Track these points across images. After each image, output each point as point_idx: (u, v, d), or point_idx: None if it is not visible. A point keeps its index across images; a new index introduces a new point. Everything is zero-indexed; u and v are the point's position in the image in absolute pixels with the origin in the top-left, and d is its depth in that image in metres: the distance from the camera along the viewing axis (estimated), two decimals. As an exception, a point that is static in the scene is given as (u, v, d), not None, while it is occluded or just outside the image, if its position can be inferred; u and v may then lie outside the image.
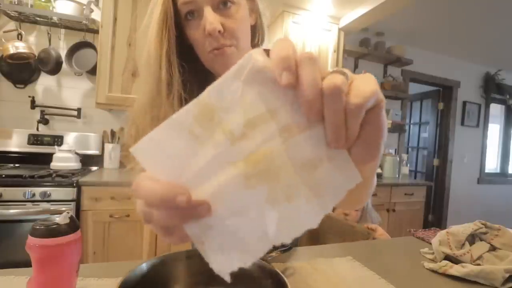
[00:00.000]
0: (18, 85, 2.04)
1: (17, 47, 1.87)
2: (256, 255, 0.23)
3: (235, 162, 0.21)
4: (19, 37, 1.95)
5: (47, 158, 1.90)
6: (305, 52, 0.20)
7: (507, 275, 0.60)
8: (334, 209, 1.22)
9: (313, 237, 0.95)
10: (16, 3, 1.88)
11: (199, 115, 0.21)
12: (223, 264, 0.23)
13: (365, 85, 0.19)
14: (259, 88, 0.20)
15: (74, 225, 0.46)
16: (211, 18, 0.49)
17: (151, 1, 0.53)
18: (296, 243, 1.07)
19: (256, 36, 0.63)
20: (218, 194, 0.21)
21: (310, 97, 0.19)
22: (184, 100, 0.53)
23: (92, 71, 2.04)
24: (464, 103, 3.68)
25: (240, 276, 0.49)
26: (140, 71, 0.55)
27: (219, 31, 0.50)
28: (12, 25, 1.99)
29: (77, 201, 1.61)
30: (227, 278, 0.23)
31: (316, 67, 0.19)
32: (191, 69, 0.55)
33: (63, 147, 1.93)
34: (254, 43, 0.64)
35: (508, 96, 3.96)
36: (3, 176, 1.53)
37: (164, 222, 0.21)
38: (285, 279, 0.44)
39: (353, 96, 0.19)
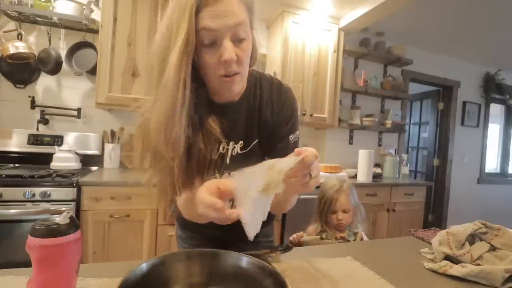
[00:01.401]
0: (18, 85, 2.04)
1: (17, 47, 1.87)
2: (260, 223, 0.51)
3: (260, 185, 0.49)
4: (19, 37, 1.95)
5: (47, 158, 1.90)
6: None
7: (507, 275, 0.60)
8: (328, 216, 1.22)
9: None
10: (16, 3, 1.88)
11: (268, 168, 0.50)
12: (252, 230, 0.50)
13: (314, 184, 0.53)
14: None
15: (74, 225, 0.46)
16: (230, 49, 0.57)
17: (168, 21, 0.57)
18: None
19: (253, 59, 0.71)
20: (253, 201, 0.50)
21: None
22: (191, 118, 0.61)
23: (92, 71, 2.04)
24: (464, 103, 3.68)
25: (240, 275, 0.49)
26: (158, 91, 0.58)
27: (234, 60, 0.59)
28: (12, 25, 1.99)
29: (77, 201, 1.61)
30: (251, 237, 0.50)
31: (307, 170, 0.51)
32: (195, 88, 0.61)
33: (63, 147, 1.93)
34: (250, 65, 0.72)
35: (508, 96, 3.96)
36: (3, 176, 1.53)
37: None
38: (285, 279, 0.44)
39: (311, 185, 0.53)
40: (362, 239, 1.22)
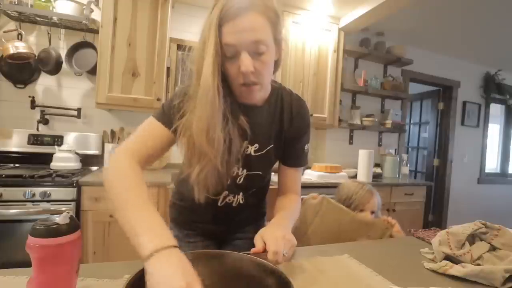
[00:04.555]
0: (18, 85, 2.04)
1: (17, 47, 1.87)
2: None
3: None
4: (19, 37, 1.95)
5: (47, 158, 1.89)
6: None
7: (507, 275, 0.60)
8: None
9: (333, 236, 0.93)
10: (16, 3, 1.88)
11: None
12: None
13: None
14: None
15: (74, 225, 0.46)
16: (246, 62, 0.61)
17: (201, 35, 0.62)
18: None
19: (276, 66, 0.75)
20: None
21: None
22: (227, 119, 0.67)
23: (92, 71, 2.03)
24: (464, 103, 3.68)
25: (243, 275, 0.49)
26: (197, 99, 0.64)
27: (251, 72, 0.62)
28: (12, 25, 1.99)
29: (77, 201, 1.61)
30: None
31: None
32: (226, 90, 0.67)
33: (63, 147, 1.93)
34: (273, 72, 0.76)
35: (508, 96, 3.95)
36: (3, 176, 1.53)
37: None
38: (289, 278, 0.44)
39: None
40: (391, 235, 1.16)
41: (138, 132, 0.69)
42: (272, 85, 0.79)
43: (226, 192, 0.80)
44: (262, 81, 0.67)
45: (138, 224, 0.49)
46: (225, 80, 0.66)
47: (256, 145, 0.77)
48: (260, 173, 0.82)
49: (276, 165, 0.88)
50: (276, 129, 0.79)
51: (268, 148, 0.78)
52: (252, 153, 0.77)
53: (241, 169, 0.78)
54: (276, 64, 0.73)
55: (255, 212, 0.94)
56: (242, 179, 0.80)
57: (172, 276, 0.40)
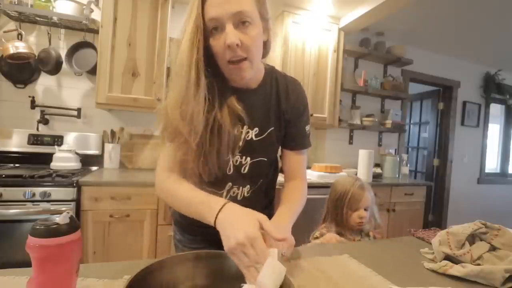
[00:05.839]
0: (18, 85, 2.04)
1: (17, 47, 1.86)
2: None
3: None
4: (19, 37, 1.95)
5: (47, 158, 1.90)
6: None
7: (507, 275, 0.60)
8: (347, 214, 1.14)
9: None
10: (16, 3, 1.88)
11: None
12: None
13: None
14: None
15: (74, 225, 0.46)
16: (231, 34, 0.60)
17: (186, 13, 0.63)
18: None
19: (267, 49, 0.74)
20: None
21: None
22: (207, 99, 0.65)
23: (92, 71, 2.03)
24: (464, 103, 3.68)
25: (243, 275, 0.49)
26: (173, 74, 0.67)
27: (237, 45, 0.61)
28: (12, 25, 1.99)
29: (77, 201, 1.60)
30: None
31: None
32: (214, 73, 0.67)
33: (63, 147, 1.93)
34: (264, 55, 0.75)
35: (508, 96, 3.95)
36: (3, 176, 1.53)
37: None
38: (289, 278, 0.44)
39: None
40: (375, 237, 1.16)
41: (161, 155, 0.75)
42: (264, 67, 0.78)
43: (230, 184, 0.78)
44: (251, 57, 0.65)
45: (198, 197, 0.62)
46: (215, 65, 0.66)
47: (256, 129, 0.76)
48: (265, 159, 0.80)
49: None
50: (275, 111, 0.78)
51: (268, 130, 0.77)
52: (254, 138, 0.76)
53: (244, 157, 0.77)
54: (266, 46, 0.72)
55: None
56: (247, 168, 0.78)
57: (243, 221, 0.52)
